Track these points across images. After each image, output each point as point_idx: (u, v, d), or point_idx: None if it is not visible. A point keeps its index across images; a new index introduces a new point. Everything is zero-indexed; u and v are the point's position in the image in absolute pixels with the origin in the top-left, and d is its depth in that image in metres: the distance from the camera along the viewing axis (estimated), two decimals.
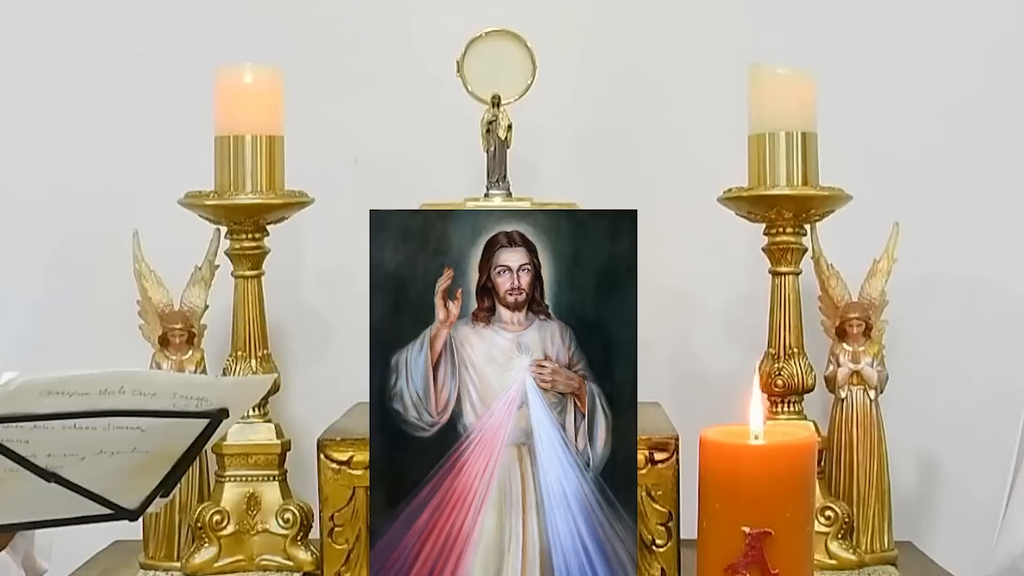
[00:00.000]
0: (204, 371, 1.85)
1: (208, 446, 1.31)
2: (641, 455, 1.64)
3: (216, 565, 1.78)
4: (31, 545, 1.54)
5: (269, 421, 1.83)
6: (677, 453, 1.66)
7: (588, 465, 1.59)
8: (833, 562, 1.76)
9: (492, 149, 1.80)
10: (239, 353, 1.82)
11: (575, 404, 1.59)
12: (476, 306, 1.60)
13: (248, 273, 1.82)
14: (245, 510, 1.80)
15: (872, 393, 1.82)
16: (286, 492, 1.82)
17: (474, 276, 1.60)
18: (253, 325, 1.82)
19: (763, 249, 1.81)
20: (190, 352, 1.84)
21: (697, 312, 2.08)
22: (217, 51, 1.94)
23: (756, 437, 1.22)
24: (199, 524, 1.78)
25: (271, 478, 1.81)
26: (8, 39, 2.09)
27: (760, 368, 1.80)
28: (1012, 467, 1.50)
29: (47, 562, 1.58)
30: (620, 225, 1.60)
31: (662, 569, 1.67)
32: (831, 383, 1.84)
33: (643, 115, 2.07)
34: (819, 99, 1.78)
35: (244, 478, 1.81)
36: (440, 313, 1.59)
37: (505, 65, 1.80)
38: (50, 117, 2.09)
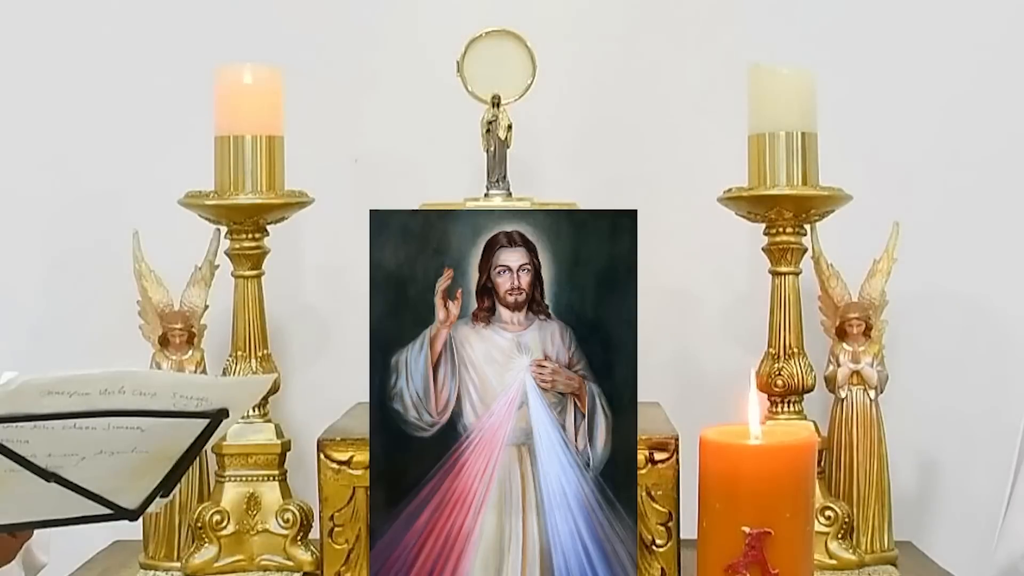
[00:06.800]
0: (204, 371, 1.85)
1: (208, 446, 1.31)
2: (641, 455, 1.64)
3: (216, 565, 1.78)
4: (29, 540, 1.54)
5: (269, 421, 1.83)
6: (677, 453, 1.66)
7: (588, 465, 1.59)
8: (833, 562, 1.76)
9: (492, 149, 1.80)
10: (239, 353, 1.82)
11: (575, 404, 1.59)
12: (476, 306, 1.60)
13: (248, 273, 1.82)
14: (245, 510, 1.80)
15: (872, 393, 1.83)
16: (286, 492, 1.83)
17: (474, 276, 1.60)
18: (253, 325, 1.82)
19: (763, 249, 1.81)
20: (190, 352, 1.84)
21: (697, 312, 2.08)
22: (217, 51, 1.94)
23: (756, 437, 1.22)
24: (199, 524, 1.79)
25: (271, 478, 1.81)
26: (7, 39, 2.09)
27: (759, 368, 1.80)
28: (1012, 469, 1.50)
29: (46, 556, 1.58)
30: (620, 225, 1.60)
31: (662, 569, 1.67)
32: (831, 383, 1.84)
33: (643, 115, 2.07)
34: (819, 99, 1.78)
35: (244, 478, 1.81)
36: (440, 313, 1.59)
37: (505, 65, 1.80)
38: (50, 117, 2.09)
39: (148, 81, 2.07)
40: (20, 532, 1.38)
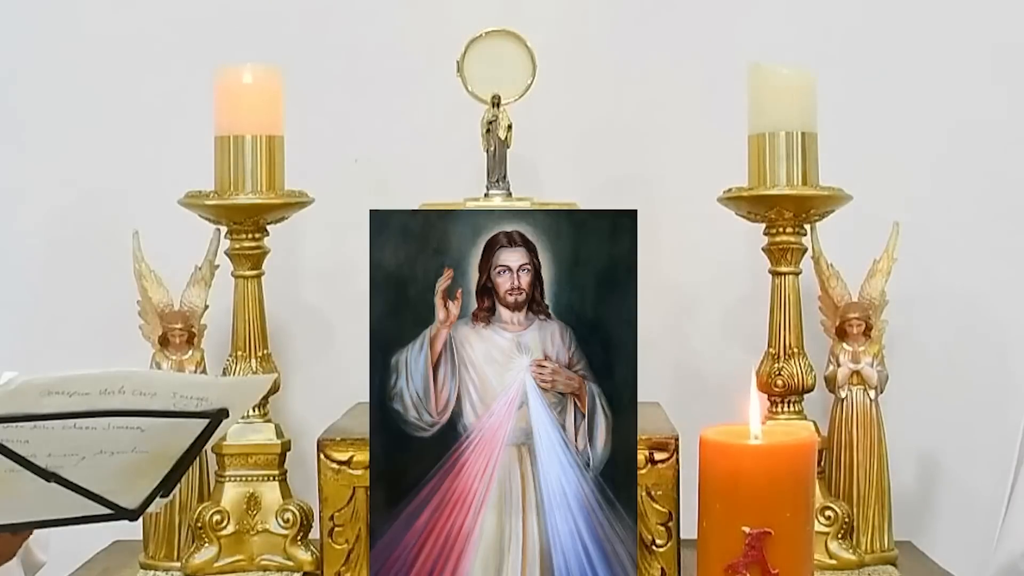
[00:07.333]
0: (204, 371, 1.85)
1: (208, 446, 1.31)
2: (641, 455, 1.64)
3: (216, 565, 1.78)
4: (28, 539, 1.53)
5: (269, 421, 1.83)
6: (677, 453, 1.66)
7: (588, 465, 1.59)
8: (833, 562, 1.76)
9: (492, 149, 1.80)
10: (239, 353, 1.82)
11: (575, 404, 1.59)
12: (476, 306, 1.60)
13: (248, 273, 1.82)
14: (245, 510, 1.80)
15: (872, 393, 1.83)
16: (286, 492, 1.83)
17: (474, 276, 1.60)
18: (253, 325, 1.82)
19: (763, 249, 1.81)
20: (190, 352, 1.84)
21: (697, 312, 2.08)
22: (217, 51, 1.94)
23: (756, 437, 1.22)
24: (199, 524, 1.79)
25: (271, 478, 1.81)
26: (8, 39, 2.09)
27: (759, 368, 1.80)
28: (1012, 469, 1.50)
29: (45, 555, 1.58)
30: (620, 225, 1.60)
31: (662, 569, 1.67)
32: (831, 383, 1.84)
33: (643, 115, 2.07)
34: (819, 99, 1.78)
35: (244, 478, 1.81)
36: (440, 313, 1.59)
37: (505, 65, 1.80)
38: (50, 117, 2.09)
39: (148, 81, 2.07)
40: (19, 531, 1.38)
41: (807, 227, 1.80)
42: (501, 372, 1.60)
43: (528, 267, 1.60)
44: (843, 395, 1.83)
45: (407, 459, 1.59)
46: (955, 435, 2.06)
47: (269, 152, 1.79)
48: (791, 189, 1.76)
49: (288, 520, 1.80)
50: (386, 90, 2.08)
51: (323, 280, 2.09)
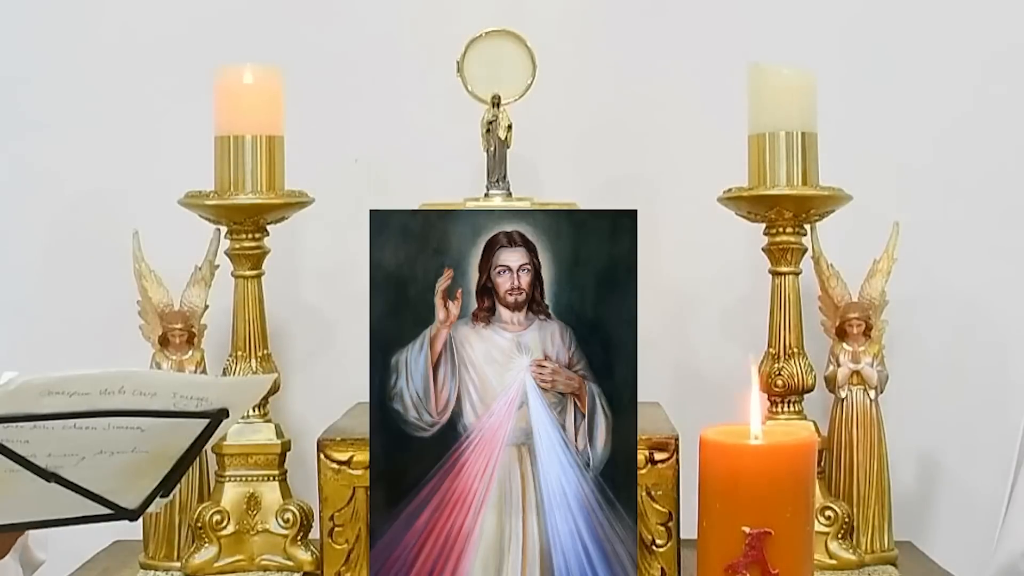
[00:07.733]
0: (204, 371, 1.85)
1: (208, 446, 1.31)
2: (641, 455, 1.64)
3: (216, 565, 1.78)
4: (27, 538, 1.54)
5: (269, 421, 1.83)
6: (677, 453, 1.66)
7: (588, 465, 1.59)
8: (833, 562, 1.76)
9: (492, 149, 1.80)
10: (239, 353, 1.82)
11: (575, 404, 1.59)
12: (476, 306, 1.60)
13: (248, 273, 1.82)
14: (245, 510, 1.80)
15: (872, 393, 1.83)
16: (286, 492, 1.83)
17: (474, 276, 1.60)
18: (253, 325, 1.82)
19: (763, 249, 1.81)
20: (190, 352, 1.84)
21: (697, 312, 2.08)
22: (217, 51, 1.94)
23: (756, 437, 1.22)
24: (199, 524, 1.79)
25: (271, 478, 1.81)
26: (8, 39, 2.09)
27: (759, 368, 1.80)
28: (1012, 469, 1.50)
29: (44, 553, 1.58)
30: (620, 225, 1.60)
31: (662, 569, 1.67)
32: (831, 383, 1.84)
33: (643, 115, 2.07)
34: (819, 99, 1.78)
35: (244, 478, 1.81)
36: (440, 313, 1.59)
37: (505, 65, 1.80)
38: (50, 117, 2.09)
39: (148, 81, 2.07)
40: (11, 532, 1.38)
41: (807, 227, 1.80)
42: (501, 372, 1.60)
43: (528, 267, 1.60)
44: (843, 395, 1.83)
45: (407, 459, 1.59)
46: (955, 435, 2.06)
47: (269, 152, 1.79)
48: (791, 189, 1.76)
49: (288, 520, 1.80)
50: (386, 90, 2.08)
51: (323, 280, 2.09)
